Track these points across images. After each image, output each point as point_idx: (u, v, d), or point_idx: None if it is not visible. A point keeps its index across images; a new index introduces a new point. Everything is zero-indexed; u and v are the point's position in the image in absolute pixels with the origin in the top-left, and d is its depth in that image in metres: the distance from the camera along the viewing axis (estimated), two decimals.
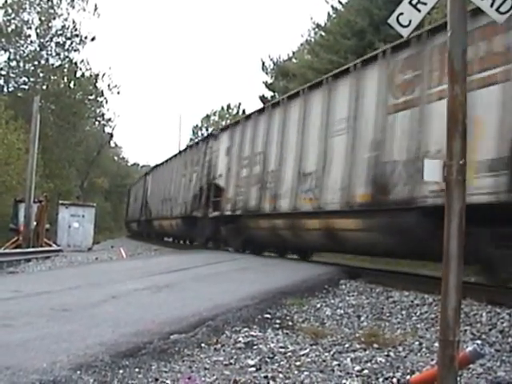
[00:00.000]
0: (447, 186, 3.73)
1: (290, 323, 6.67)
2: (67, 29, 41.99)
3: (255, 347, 5.32)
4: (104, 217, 58.67)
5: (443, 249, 3.68)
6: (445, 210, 3.72)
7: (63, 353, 4.44)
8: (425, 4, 4.03)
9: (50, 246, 24.84)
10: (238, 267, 12.65)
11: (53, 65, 42.56)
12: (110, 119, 51.38)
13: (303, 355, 5.08)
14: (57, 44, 42.19)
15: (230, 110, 70.00)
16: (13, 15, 39.87)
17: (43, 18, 41.07)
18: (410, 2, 4.07)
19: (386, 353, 5.21)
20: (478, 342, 4.45)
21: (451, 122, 3.75)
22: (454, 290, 3.62)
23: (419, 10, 4.04)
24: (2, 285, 9.46)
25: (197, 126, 74.32)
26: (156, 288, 8.53)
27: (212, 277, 10.76)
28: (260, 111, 18.54)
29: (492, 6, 3.79)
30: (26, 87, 41.74)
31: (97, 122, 53.13)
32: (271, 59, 41.94)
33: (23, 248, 21.83)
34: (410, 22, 4.08)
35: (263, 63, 42.20)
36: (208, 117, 73.71)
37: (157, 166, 38.34)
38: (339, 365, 4.82)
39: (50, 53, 42.34)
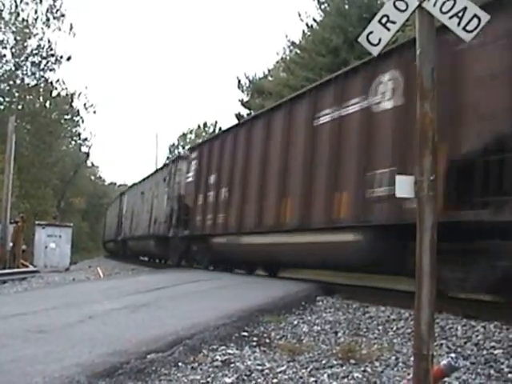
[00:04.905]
0: (419, 202, 3.77)
1: (267, 340, 6.67)
2: (43, 48, 41.75)
3: (232, 365, 5.32)
4: (81, 237, 58.38)
5: (416, 264, 3.73)
6: (417, 226, 3.77)
7: (39, 375, 4.42)
8: (394, 23, 4.10)
9: (27, 266, 24.57)
10: (215, 285, 12.62)
11: (28, 84, 42.30)
12: (86, 139, 51.44)
13: (280, 372, 5.09)
14: (32, 63, 41.93)
15: (207, 128, 70.09)
16: None
17: (18, 38, 40.83)
18: (380, 21, 4.14)
19: (362, 368, 5.24)
20: (453, 355, 4.49)
21: (421, 139, 3.80)
22: (427, 304, 3.67)
23: (388, 29, 4.11)
24: None
25: (173, 144, 74.48)
26: (133, 307, 8.48)
27: (189, 295, 10.72)
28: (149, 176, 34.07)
29: (459, 24, 3.87)
30: (2, 107, 41.38)
31: (73, 142, 53.15)
32: (247, 77, 41.94)
33: None
34: (380, 40, 4.16)
35: (239, 81, 42.23)
36: (184, 135, 73.88)
37: (110, 203, 53.97)
38: (316, 381, 4.83)
39: (25, 72, 42.09)
